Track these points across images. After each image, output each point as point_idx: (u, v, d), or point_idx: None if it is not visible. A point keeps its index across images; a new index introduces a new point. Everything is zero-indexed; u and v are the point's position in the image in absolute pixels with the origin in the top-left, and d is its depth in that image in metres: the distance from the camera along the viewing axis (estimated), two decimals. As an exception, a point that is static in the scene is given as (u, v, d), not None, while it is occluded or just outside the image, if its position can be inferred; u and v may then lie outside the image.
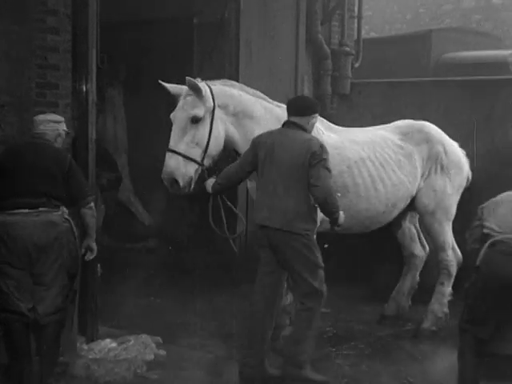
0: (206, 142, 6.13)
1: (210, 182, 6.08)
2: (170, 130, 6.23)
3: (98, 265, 6.39)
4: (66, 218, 5.46)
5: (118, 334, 6.55)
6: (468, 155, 7.72)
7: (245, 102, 6.37)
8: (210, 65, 9.15)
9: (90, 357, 6.04)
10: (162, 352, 6.30)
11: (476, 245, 5.33)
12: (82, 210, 5.63)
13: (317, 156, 5.57)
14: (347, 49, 10.13)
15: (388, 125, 7.47)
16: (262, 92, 8.95)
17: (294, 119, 5.80)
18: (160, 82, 6.34)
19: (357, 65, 10.29)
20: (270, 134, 5.91)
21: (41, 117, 5.74)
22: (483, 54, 11.87)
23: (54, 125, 5.69)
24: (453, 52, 11.95)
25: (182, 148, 6.08)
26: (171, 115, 6.21)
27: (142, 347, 6.25)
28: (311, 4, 9.62)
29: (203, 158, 6.13)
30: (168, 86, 6.33)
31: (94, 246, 5.76)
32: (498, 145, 8.61)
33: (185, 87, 6.19)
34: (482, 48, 12.24)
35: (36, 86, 6.12)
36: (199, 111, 6.11)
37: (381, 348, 6.79)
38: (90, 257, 5.76)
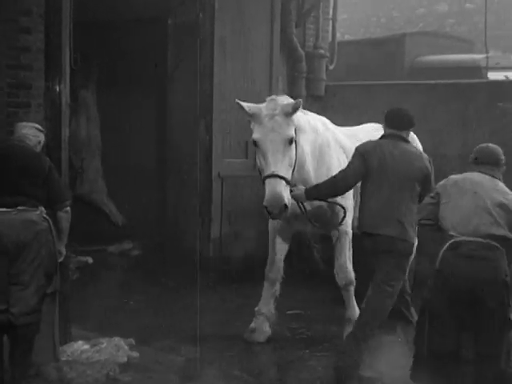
0: (294, 162, 5.98)
1: (298, 190, 6.00)
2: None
3: (74, 268, 6.35)
4: (44, 217, 5.45)
5: (91, 336, 6.50)
6: (442, 158, 7.76)
7: (297, 117, 6.18)
8: (184, 65, 9.13)
9: (63, 359, 5.98)
10: (135, 354, 6.25)
11: (427, 222, 5.25)
12: (59, 214, 5.63)
13: (429, 170, 5.95)
14: (322, 51, 10.16)
15: (359, 126, 7.51)
16: (237, 93, 9.00)
17: (400, 133, 6.01)
18: (237, 101, 6.03)
19: (331, 67, 10.34)
20: (377, 144, 6.00)
21: (24, 123, 5.80)
22: (456, 57, 11.99)
23: (36, 132, 5.74)
24: (427, 55, 12.05)
25: (283, 172, 5.82)
26: (258, 137, 5.88)
27: (115, 349, 6.21)
28: (286, 6, 9.64)
29: (291, 178, 5.97)
30: (245, 105, 6.02)
31: (64, 250, 5.78)
32: (471, 148, 8.67)
33: (263, 106, 5.98)
34: (455, 52, 12.36)
35: (8, 86, 6.08)
36: (292, 132, 5.92)
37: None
38: (58, 260, 5.74)
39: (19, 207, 5.35)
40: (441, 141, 8.73)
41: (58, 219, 5.63)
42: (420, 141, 7.34)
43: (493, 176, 5.24)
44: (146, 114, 10.29)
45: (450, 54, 12.16)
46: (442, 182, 5.34)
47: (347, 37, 16.39)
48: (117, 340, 6.36)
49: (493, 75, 10.90)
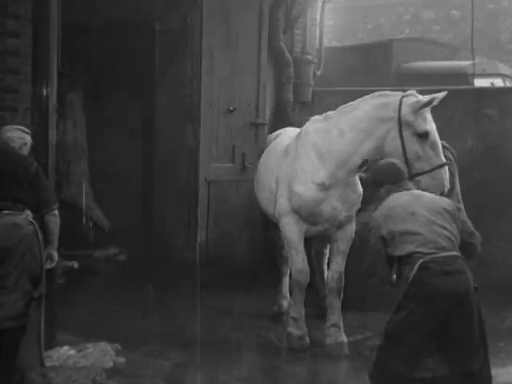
0: None
1: None
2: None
3: (60, 272, 6.32)
4: (30, 221, 5.42)
5: (77, 341, 6.48)
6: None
7: None
8: (171, 71, 9.13)
9: (48, 364, 5.95)
10: (121, 359, 6.24)
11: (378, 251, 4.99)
12: (46, 217, 5.60)
13: None
14: (309, 57, 10.19)
15: None
16: (225, 98, 9.00)
17: None
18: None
19: (318, 73, 10.37)
20: None
21: (8, 126, 5.77)
22: (443, 64, 12.05)
23: (21, 133, 5.71)
24: (413, 62, 12.10)
25: None
26: (434, 129, 6.06)
27: (101, 354, 6.19)
28: (274, 12, 9.66)
29: None
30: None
31: (55, 254, 5.72)
32: (458, 154, 8.71)
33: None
34: (441, 58, 12.43)
35: (-6, 90, 6.04)
36: None
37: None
38: (49, 265, 5.70)
39: (5, 211, 5.33)
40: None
41: (46, 222, 5.60)
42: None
43: (407, 189, 5.17)
44: (133, 119, 10.28)
45: (437, 61, 12.22)
46: (378, 214, 5.07)
47: (334, 43, 16.42)
48: (103, 345, 6.34)
49: (479, 82, 10.96)
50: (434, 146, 5.98)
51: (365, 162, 6.27)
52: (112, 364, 6.14)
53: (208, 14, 8.70)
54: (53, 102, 6.32)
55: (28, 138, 5.76)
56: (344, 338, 6.71)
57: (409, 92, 6.21)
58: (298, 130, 7.12)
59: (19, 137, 5.68)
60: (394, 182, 5.19)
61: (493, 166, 8.79)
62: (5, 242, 5.27)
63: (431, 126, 6.02)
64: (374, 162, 6.00)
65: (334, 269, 6.74)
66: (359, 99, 6.43)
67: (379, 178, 5.29)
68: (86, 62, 9.80)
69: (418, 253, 4.76)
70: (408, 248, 4.80)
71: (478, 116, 8.86)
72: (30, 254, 5.40)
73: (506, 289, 8.30)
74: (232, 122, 8.88)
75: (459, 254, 4.84)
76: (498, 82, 11.62)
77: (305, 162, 6.57)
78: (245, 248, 8.96)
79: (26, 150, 5.74)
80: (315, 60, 10.31)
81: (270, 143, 7.83)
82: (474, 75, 10.56)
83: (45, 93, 6.25)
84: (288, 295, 7.63)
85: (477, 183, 8.79)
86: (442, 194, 5.81)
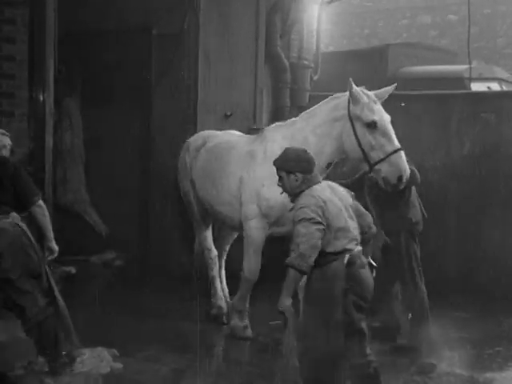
0: None
1: None
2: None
3: (57, 278, 6.33)
4: (16, 223, 5.42)
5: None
6: (425, 168, 7.81)
7: None
8: (168, 76, 9.13)
9: (46, 370, 5.94)
10: (118, 365, 6.22)
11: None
12: (32, 209, 5.62)
13: None
14: (306, 62, 10.20)
15: None
16: (222, 104, 9.00)
17: None
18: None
19: (315, 78, 10.37)
20: None
21: None
22: (439, 68, 12.06)
23: (2, 137, 5.70)
24: (409, 66, 12.11)
25: None
26: (386, 117, 6.35)
27: (98, 360, 6.17)
28: (271, 18, 9.67)
29: None
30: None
31: (54, 246, 5.75)
32: (454, 158, 8.73)
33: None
34: (438, 63, 12.44)
35: (-10, 95, 6.05)
36: None
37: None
38: (51, 257, 5.73)
39: None
40: (424, 151, 8.77)
41: (34, 216, 5.61)
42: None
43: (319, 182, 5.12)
44: (130, 124, 10.26)
45: (433, 65, 12.23)
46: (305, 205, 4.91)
47: (331, 48, 16.45)
48: (100, 351, 6.33)
49: (476, 86, 10.97)
50: (385, 134, 6.24)
51: (329, 163, 6.58)
52: (109, 370, 6.13)
53: (205, 20, 8.72)
54: (49, 107, 6.34)
55: (7, 141, 5.74)
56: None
57: (357, 88, 6.43)
58: (229, 133, 7.67)
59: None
60: (305, 170, 5.06)
61: (490, 171, 8.80)
62: None
63: (380, 116, 6.29)
64: (339, 162, 6.70)
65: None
66: (317, 105, 6.85)
67: (287, 165, 5.12)
68: (83, 68, 9.79)
69: (348, 249, 4.88)
70: (341, 244, 4.88)
71: (474, 120, 8.87)
72: (25, 256, 5.41)
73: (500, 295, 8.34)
74: (229, 128, 8.87)
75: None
76: (495, 86, 11.63)
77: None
78: (239, 254, 8.94)
79: (5, 153, 5.72)
80: (312, 65, 10.32)
81: (199, 146, 7.77)
82: (470, 79, 10.58)
83: (41, 98, 6.27)
84: (224, 295, 7.80)
85: (473, 187, 8.80)
86: (400, 180, 6.15)
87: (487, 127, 8.73)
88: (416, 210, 6.83)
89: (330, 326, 4.85)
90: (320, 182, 5.10)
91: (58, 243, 5.82)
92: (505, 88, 11.82)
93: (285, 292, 4.81)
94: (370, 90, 6.49)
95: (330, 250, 4.86)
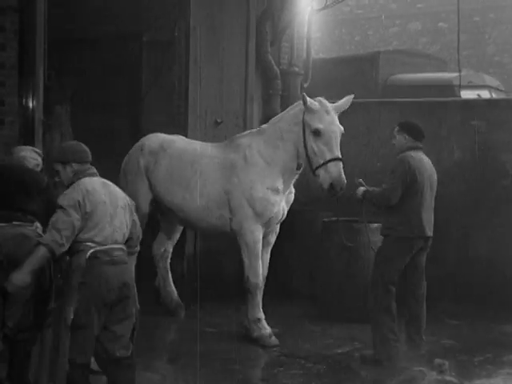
0: None
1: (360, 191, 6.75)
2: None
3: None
4: (39, 234, 5.43)
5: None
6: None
7: None
8: (159, 83, 9.12)
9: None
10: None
11: None
12: None
13: None
14: (296, 69, 10.21)
15: None
16: (212, 111, 9.00)
17: (421, 144, 6.79)
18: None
19: (306, 85, 10.37)
20: (415, 156, 6.68)
21: (23, 146, 5.97)
22: (430, 76, 12.10)
23: (34, 154, 5.87)
24: (400, 74, 12.13)
25: None
26: (334, 128, 6.73)
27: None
28: (261, 25, 9.68)
29: None
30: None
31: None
32: (444, 165, 8.75)
33: (330, 104, 6.88)
34: (428, 70, 12.48)
35: (-20, 102, 6.03)
36: None
37: (328, 367, 6.77)
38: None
39: (14, 222, 5.38)
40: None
41: None
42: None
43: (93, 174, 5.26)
44: (121, 131, 10.24)
45: (424, 73, 12.27)
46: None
47: (321, 55, 16.47)
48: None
49: (466, 94, 11.00)
50: (327, 143, 6.69)
51: (300, 164, 7.05)
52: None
53: (195, 27, 8.72)
54: (39, 114, 6.33)
55: (40, 160, 5.90)
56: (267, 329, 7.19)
57: (317, 98, 6.89)
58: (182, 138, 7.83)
59: (32, 157, 5.84)
60: (79, 160, 5.23)
61: (479, 178, 8.83)
62: (13, 253, 5.25)
63: (325, 125, 6.71)
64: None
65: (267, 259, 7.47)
66: (283, 111, 7.40)
67: (64, 157, 5.26)
68: (73, 75, 9.76)
69: (92, 242, 4.95)
70: (85, 236, 4.96)
71: (464, 128, 8.90)
72: (38, 270, 5.38)
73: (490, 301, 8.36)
74: (219, 135, 8.88)
75: (125, 247, 5.16)
76: (485, 94, 11.67)
77: (258, 170, 7.11)
78: (233, 261, 8.93)
79: (37, 169, 5.88)
80: (303, 72, 10.32)
81: (156, 150, 7.74)
82: (460, 87, 10.61)
83: (31, 105, 6.26)
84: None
85: (463, 195, 8.83)
86: (332, 188, 6.60)
87: (477, 135, 8.76)
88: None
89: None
90: (94, 175, 5.23)
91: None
92: (494, 96, 11.87)
93: (25, 267, 4.88)
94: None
95: (80, 239, 4.96)
